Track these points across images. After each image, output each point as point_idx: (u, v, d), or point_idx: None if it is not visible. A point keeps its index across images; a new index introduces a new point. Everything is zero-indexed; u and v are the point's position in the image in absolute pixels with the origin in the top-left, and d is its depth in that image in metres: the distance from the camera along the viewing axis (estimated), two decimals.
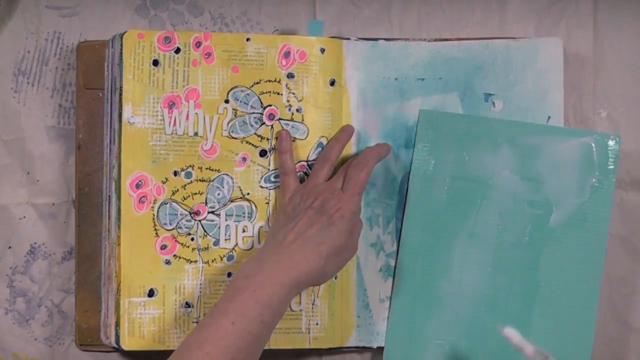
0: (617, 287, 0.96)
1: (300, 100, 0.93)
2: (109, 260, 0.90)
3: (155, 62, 0.87)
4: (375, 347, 0.95)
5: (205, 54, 0.89)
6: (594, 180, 0.94)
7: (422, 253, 0.95)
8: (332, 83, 0.94)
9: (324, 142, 0.94)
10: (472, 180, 0.95)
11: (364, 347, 0.96)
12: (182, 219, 0.89)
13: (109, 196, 0.90)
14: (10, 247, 0.95)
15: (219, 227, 0.91)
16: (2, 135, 0.96)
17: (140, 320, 0.88)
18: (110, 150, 0.91)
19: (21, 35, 0.97)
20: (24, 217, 0.96)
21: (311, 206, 0.86)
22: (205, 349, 0.75)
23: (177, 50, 0.89)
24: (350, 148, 0.95)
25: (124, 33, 0.88)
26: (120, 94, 0.88)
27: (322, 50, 0.94)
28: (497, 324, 0.93)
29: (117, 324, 0.88)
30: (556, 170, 0.94)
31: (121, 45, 0.88)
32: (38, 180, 0.96)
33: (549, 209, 0.94)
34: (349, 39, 0.96)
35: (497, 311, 0.94)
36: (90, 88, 0.95)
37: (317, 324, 0.92)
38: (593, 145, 0.95)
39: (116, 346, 0.89)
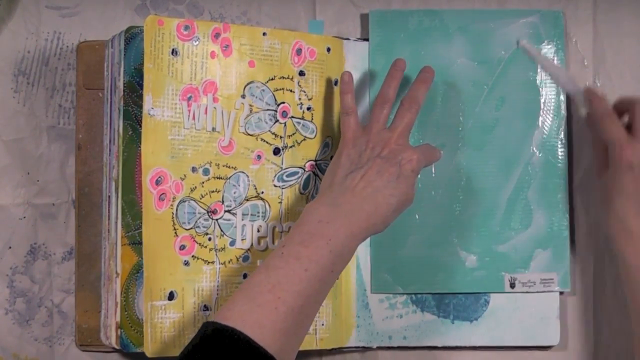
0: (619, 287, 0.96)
1: (310, 99, 0.93)
2: (109, 260, 0.90)
3: (174, 52, 0.86)
4: (375, 347, 0.96)
5: (224, 46, 0.89)
6: (544, 51, 0.97)
7: None
8: (336, 83, 0.94)
9: (330, 142, 0.94)
10: None
11: (364, 347, 0.96)
12: (199, 217, 0.88)
13: (109, 196, 0.90)
14: (10, 247, 0.95)
15: (235, 227, 0.90)
16: (2, 135, 0.96)
17: (161, 325, 0.86)
18: (110, 150, 0.90)
19: (21, 35, 0.97)
20: (24, 217, 0.96)
21: (379, 155, 0.84)
22: (277, 293, 0.74)
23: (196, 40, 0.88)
24: None
25: (124, 32, 0.88)
26: (121, 93, 0.88)
27: (328, 50, 0.94)
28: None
29: (121, 326, 0.87)
30: (509, 50, 0.96)
31: (125, 41, 0.88)
32: (38, 180, 0.96)
33: (507, 88, 0.96)
34: (348, 39, 0.96)
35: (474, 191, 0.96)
36: (90, 88, 0.95)
37: (322, 324, 0.92)
38: (539, 22, 0.96)
39: (116, 347, 0.88)
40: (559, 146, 0.96)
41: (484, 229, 0.95)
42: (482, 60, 0.96)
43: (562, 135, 0.96)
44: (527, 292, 0.95)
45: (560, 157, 0.96)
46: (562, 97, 0.96)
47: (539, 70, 0.96)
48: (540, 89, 0.96)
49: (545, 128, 0.96)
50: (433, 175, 0.95)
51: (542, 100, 0.96)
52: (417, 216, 0.95)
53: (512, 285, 0.95)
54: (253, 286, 0.75)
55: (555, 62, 0.96)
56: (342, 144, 0.87)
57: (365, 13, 0.97)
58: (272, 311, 0.73)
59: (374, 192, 0.81)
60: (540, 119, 0.96)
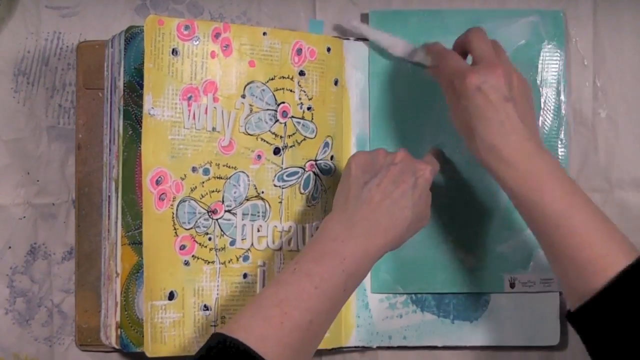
0: None
1: (310, 99, 0.93)
2: (109, 260, 0.90)
3: (174, 52, 0.86)
4: (375, 347, 0.96)
5: (224, 46, 0.89)
6: (544, 50, 0.96)
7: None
8: (336, 83, 0.94)
9: (329, 142, 0.94)
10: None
11: (364, 347, 0.96)
12: (200, 217, 0.88)
13: (109, 196, 0.90)
14: (10, 247, 0.95)
15: (235, 227, 0.90)
16: (2, 135, 0.96)
17: (161, 324, 0.86)
18: (110, 150, 0.90)
19: (21, 35, 0.97)
20: (24, 217, 0.96)
21: (394, 162, 0.83)
22: (284, 308, 0.74)
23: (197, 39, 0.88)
24: (350, 149, 0.96)
25: (124, 31, 0.88)
26: (121, 93, 0.88)
27: (329, 49, 0.94)
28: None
29: (121, 326, 0.87)
30: (509, 49, 0.95)
31: (125, 41, 0.88)
32: (38, 180, 0.96)
33: None
34: (348, 39, 0.96)
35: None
36: (90, 88, 0.95)
37: None
38: (539, 21, 0.96)
39: (116, 347, 0.88)
40: (559, 146, 0.96)
41: (483, 229, 0.95)
42: None
43: (562, 135, 0.96)
44: (527, 292, 0.95)
45: (560, 157, 0.95)
46: (562, 97, 0.96)
47: (539, 70, 0.96)
48: (541, 89, 0.96)
49: (546, 128, 0.96)
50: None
51: (543, 100, 0.96)
52: None
53: (512, 285, 0.95)
54: (262, 300, 0.76)
55: (556, 63, 0.96)
56: (349, 159, 0.86)
57: (366, 13, 0.97)
58: (277, 326, 0.73)
59: (391, 204, 0.81)
60: (541, 118, 0.96)
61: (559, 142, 0.95)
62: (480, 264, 0.95)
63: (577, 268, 0.76)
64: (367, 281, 0.95)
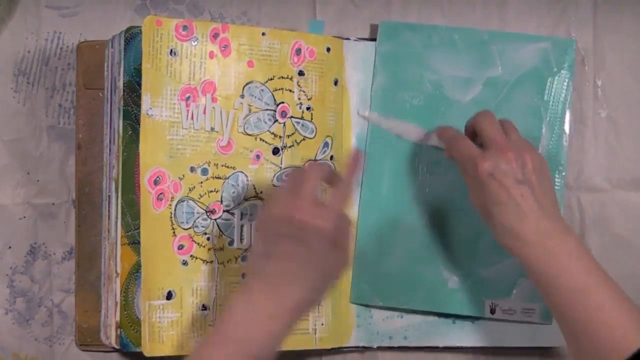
0: None
1: (309, 99, 0.93)
2: (109, 260, 0.90)
3: (173, 52, 0.86)
4: (375, 346, 0.95)
5: (222, 47, 0.89)
6: (552, 78, 0.95)
7: (387, 167, 0.96)
8: (336, 83, 0.94)
9: (329, 142, 0.94)
10: (434, 88, 0.95)
11: (364, 347, 0.96)
12: (198, 217, 0.88)
13: (109, 196, 0.90)
14: (10, 247, 0.95)
15: (234, 227, 0.90)
16: (2, 135, 0.96)
17: (159, 324, 0.86)
18: (110, 150, 0.90)
19: (21, 35, 0.97)
20: (24, 217, 0.96)
21: (288, 234, 0.75)
22: None
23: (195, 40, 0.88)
24: (350, 149, 0.95)
25: (124, 32, 0.88)
26: (121, 93, 0.88)
27: (328, 49, 0.94)
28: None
29: (121, 326, 0.87)
30: (516, 73, 0.95)
31: (125, 41, 0.88)
32: (38, 180, 0.96)
33: (510, 111, 0.94)
34: (348, 39, 0.96)
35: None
36: (90, 88, 0.95)
37: (322, 324, 0.92)
38: (550, 49, 0.95)
39: (116, 347, 0.88)
40: (560, 170, 0.94)
41: (469, 251, 0.94)
42: (487, 82, 0.95)
43: (562, 162, 0.94)
44: (506, 321, 0.94)
45: (557, 185, 0.94)
46: (566, 118, 0.94)
47: (545, 98, 0.94)
48: (544, 116, 0.94)
49: (544, 154, 0.94)
50: (427, 191, 0.94)
51: (544, 125, 0.94)
52: (405, 228, 0.94)
53: (493, 311, 0.94)
54: None
55: (564, 92, 0.95)
56: (260, 213, 0.84)
57: (366, 14, 0.97)
58: None
59: (292, 280, 0.76)
60: (542, 143, 0.94)
61: (559, 168, 0.94)
62: (462, 286, 0.94)
63: (594, 347, 0.76)
64: (347, 290, 0.95)
